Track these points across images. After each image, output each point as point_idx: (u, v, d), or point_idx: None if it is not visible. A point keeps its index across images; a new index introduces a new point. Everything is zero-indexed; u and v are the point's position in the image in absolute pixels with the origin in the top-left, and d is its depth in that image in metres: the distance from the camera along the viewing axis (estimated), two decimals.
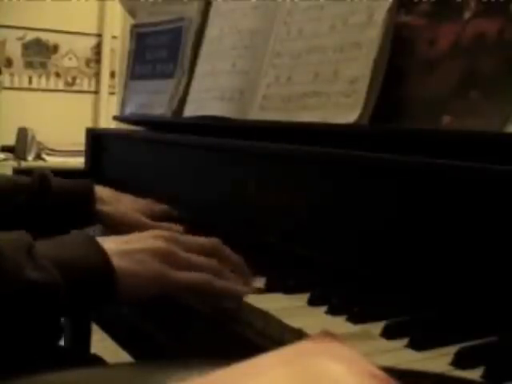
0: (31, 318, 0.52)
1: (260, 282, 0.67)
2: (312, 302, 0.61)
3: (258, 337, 0.57)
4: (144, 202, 0.99)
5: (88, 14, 3.25)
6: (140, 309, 0.79)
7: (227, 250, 0.68)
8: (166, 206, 1.00)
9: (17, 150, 2.88)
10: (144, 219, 0.91)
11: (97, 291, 0.56)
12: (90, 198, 0.90)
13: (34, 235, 0.57)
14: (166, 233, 0.65)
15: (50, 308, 0.53)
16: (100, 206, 0.91)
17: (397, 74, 0.75)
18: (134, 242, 0.62)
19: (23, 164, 2.79)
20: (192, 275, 0.61)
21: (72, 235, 0.61)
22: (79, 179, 0.96)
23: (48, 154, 2.95)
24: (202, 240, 0.67)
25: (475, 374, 0.47)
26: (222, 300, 0.63)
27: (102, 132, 1.47)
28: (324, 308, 0.59)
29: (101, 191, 0.93)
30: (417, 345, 0.51)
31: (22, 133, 2.89)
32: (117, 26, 3.19)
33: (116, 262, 0.57)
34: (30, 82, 3.20)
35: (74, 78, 3.30)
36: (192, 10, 1.16)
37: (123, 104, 1.34)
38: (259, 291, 0.64)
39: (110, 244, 0.59)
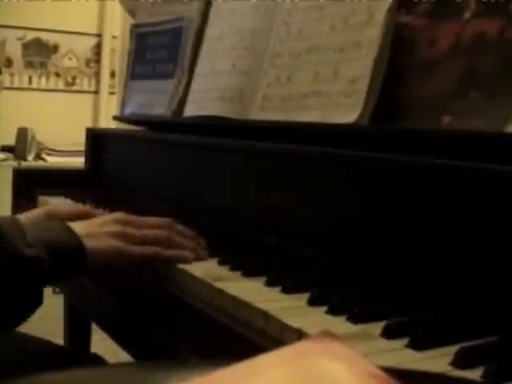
0: (23, 284, 0.66)
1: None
2: (312, 302, 0.61)
3: (258, 337, 0.57)
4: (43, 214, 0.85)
5: (88, 14, 3.25)
6: (140, 309, 0.79)
7: (179, 226, 0.80)
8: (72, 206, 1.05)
9: (17, 150, 2.88)
10: None
11: (72, 265, 0.71)
12: None
13: None
14: (122, 216, 0.79)
15: (38, 276, 0.67)
16: None
17: (397, 74, 0.75)
18: (99, 226, 0.76)
19: (23, 164, 2.79)
20: (143, 248, 0.75)
21: (49, 222, 0.76)
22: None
23: (48, 154, 2.95)
24: (155, 219, 0.81)
25: (475, 373, 0.46)
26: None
27: (102, 132, 1.47)
28: (324, 308, 0.59)
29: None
30: (417, 345, 0.51)
31: (22, 133, 2.89)
32: (117, 26, 3.19)
33: (85, 242, 0.71)
34: (30, 81, 3.19)
35: (73, 78, 3.30)
36: (192, 10, 1.16)
37: (123, 104, 1.34)
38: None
39: (80, 227, 0.73)
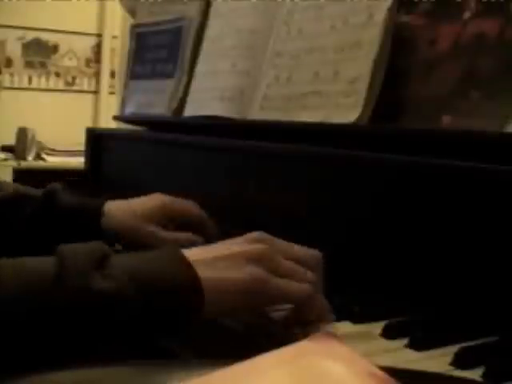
0: (98, 337, 0.45)
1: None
2: None
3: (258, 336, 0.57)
4: (158, 207, 0.82)
5: (88, 14, 3.25)
6: None
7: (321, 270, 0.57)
8: (187, 205, 0.84)
9: (17, 150, 2.88)
10: (159, 231, 0.79)
11: (180, 307, 0.48)
12: (96, 215, 0.81)
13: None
14: (260, 235, 0.55)
15: (121, 322, 0.46)
16: (107, 224, 0.80)
17: (397, 73, 0.75)
18: (222, 249, 0.53)
19: (23, 164, 2.79)
20: (296, 285, 0.52)
21: (154, 250, 0.52)
22: (91, 198, 0.87)
23: (48, 154, 2.95)
24: (304, 250, 0.57)
25: (475, 373, 0.46)
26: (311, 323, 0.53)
27: (102, 132, 1.47)
28: None
29: (110, 206, 0.82)
30: (417, 345, 0.51)
31: (22, 133, 2.89)
32: (117, 26, 3.19)
33: (201, 272, 0.49)
34: (30, 81, 3.19)
35: (73, 78, 3.29)
36: (192, 10, 1.16)
37: (123, 104, 1.34)
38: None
39: (193, 252, 0.51)
